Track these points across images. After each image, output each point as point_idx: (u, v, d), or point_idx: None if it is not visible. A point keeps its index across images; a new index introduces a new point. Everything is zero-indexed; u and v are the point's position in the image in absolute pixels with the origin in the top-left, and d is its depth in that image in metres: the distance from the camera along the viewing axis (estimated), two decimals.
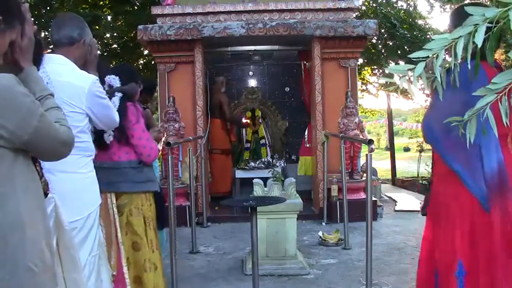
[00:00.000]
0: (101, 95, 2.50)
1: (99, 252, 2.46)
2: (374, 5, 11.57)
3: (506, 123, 1.63)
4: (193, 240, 5.01)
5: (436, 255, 2.25)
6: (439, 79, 1.71)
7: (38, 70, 2.02)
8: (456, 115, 1.80)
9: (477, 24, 1.49)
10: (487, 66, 1.93)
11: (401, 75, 1.69)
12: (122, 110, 2.88)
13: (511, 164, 2.14)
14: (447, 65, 1.76)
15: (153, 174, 3.16)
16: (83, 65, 2.53)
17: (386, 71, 1.79)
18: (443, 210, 2.23)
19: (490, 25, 1.50)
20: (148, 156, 2.99)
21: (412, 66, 1.64)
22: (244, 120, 8.07)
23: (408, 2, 12.08)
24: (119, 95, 2.97)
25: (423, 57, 1.61)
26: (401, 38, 10.69)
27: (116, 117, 2.66)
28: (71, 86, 2.33)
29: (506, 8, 1.39)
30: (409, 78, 1.69)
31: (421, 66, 1.61)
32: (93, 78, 2.44)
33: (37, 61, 2.00)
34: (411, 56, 1.63)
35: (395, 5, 11.73)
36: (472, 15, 1.51)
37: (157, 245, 3.10)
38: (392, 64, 10.71)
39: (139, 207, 3.01)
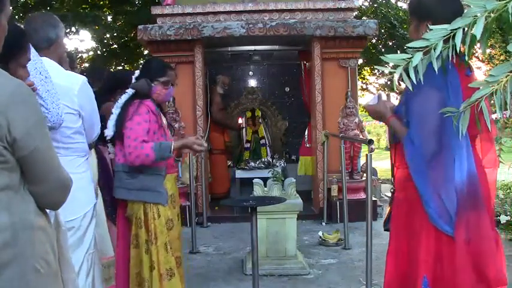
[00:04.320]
0: (91, 96, 2.52)
1: (95, 250, 2.50)
2: (375, 5, 11.58)
3: (499, 118, 1.61)
4: (193, 240, 5.01)
5: (402, 270, 2.08)
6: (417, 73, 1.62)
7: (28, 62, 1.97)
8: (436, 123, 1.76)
9: (476, 16, 1.46)
10: (458, 65, 1.83)
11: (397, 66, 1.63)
12: (124, 107, 2.76)
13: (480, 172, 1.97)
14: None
15: (157, 183, 2.75)
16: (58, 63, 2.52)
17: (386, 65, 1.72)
18: (407, 221, 2.06)
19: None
20: (129, 155, 2.62)
21: (408, 55, 1.59)
22: (240, 122, 8.03)
23: (408, 2, 12.09)
24: (130, 91, 2.83)
25: (421, 47, 1.58)
26: (401, 38, 10.70)
27: (97, 127, 2.64)
28: (60, 87, 2.32)
29: (506, 1, 1.38)
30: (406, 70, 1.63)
31: (418, 56, 1.57)
32: (83, 78, 2.46)
33: (23, 50, 1.93)
34: (409, 45, 1.60)
35: (394, 5, 11.75)
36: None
37: (160, 266, 2.67)
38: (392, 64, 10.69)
39: (141, 218, 2.70)
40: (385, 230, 2.29)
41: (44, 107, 2.10)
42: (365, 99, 18.56)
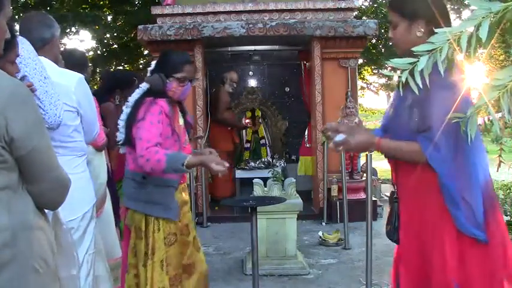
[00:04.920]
0: (88, 93, 2.52)
1: (96, 250, 2.50)
2: (375, 5, 11.59)
3: (509, 120, 1.60)
4: None
5: (415, 277, 2.00)
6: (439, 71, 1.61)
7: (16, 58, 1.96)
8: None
9: (482, 17, 1.44)
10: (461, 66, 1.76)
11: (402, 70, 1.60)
12: (135, 105, 2.55)
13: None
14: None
15: (168, 196, 2.56)
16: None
17: (388, 67, 1.69)
18: (420, 227, 1.98)
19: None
20: (141, 157, 2.41)
21: (413, 59, 1.56)
22: (246, 121, 7.98)
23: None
24: (144, 86, 2.61)
25: (426, 51, 1.55)
26: None
27: (96, 126, 2.62)
28: (58, 86, 2.32)
29: (510, 3, 1.37)
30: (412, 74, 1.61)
31: (424, 60, 1.56)
32: (79, 75, 2.46)
33: (9, 46, 1.92)
34: (414, 49, 1.58)
35: None
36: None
37: (154, 284, 2.47)
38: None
39: (142, 229, 2.53)
40: (393, 242, 2.16)
41: (41, 108, 2.10)
42: (366, 98, 18.54)
